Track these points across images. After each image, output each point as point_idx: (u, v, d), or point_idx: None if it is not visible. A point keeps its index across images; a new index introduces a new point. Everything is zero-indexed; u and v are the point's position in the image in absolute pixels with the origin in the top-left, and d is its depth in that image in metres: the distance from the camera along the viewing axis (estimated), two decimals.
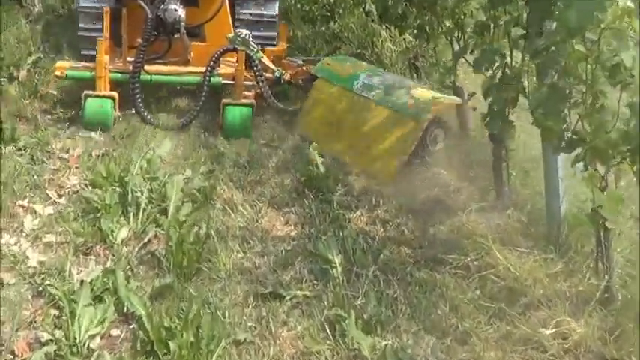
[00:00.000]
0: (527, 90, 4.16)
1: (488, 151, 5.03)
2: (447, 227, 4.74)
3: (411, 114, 5.15)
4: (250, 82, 5.79)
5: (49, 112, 6.22)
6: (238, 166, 5.42)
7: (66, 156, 5.44)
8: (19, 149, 5.41)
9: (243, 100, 5.70)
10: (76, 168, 5.26)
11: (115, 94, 5.69)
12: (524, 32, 4.18)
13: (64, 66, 5.88)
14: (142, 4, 5.71)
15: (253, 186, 5.17)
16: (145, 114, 5.73)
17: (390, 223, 4.76)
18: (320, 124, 5.64)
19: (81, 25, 6.23)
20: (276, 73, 5.97)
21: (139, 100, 5.71)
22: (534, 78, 4.21)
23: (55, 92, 6.46)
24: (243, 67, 5.71)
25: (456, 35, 5.28)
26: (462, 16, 5.02)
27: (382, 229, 4.70)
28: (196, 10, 6.05)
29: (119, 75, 5.79)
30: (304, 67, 6.15)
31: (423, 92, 5.35)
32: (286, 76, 6.03)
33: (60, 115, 6.13)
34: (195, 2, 6.09)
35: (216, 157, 5.54)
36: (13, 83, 6.52)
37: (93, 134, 5.80)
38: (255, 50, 5.82)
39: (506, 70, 4.43)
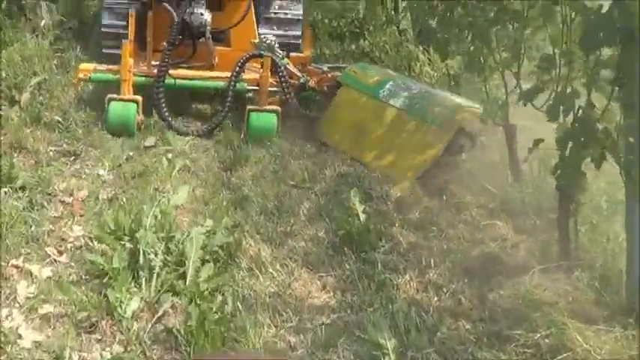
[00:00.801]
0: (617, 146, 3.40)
1: (549, 198, 4.40)
2: (509, 294, 4.02)
3: (437, 123, 5.04)
4: (275, 89, 5.65)
5: (52, 142, 5.53)
6: (266, 213, 4.71)
7: (69, 199, 4.75)
8: (17, 190, 4.69)
9: (268, 107, 5.54)
10: (81, 216, 4.56)
11: (139, 98, 5.53)
12: (615, 76, 3.42)
13: (88, 68, 5.75)
14: (169, 7, 5.60)
15: (283, 239, 4.46)
16: (169, 119, 5.58)
17: (445, 289, 4.04)
18: (343, 130, 5.52)
19: (104, 21, 6.19)
20: (302, 80, 5.84)
21: (163, 104, 5.56)
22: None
23: (59, 119, 5.77)
24: (269, 73, 5.57)
25: (513, 69, 4.53)
26: (523, 48, 4.27)
27: (436, 297, 3.97)
28: (222, 15, 5.97)
29: (143, 79, 5.66)
30: (329, 74, 6.02)
31: (449, 101, 5.25)
32: (311, 83, 5.89)
33: (64, 146, 5.47)
34: (221, 7, 6.02)
35: (240, 201, 4.85)
36: (13, 108, 5.82)
37: (101, 171, 5.14)
38: (281, 56, 5.69)
39: (585, 116, 3.68)
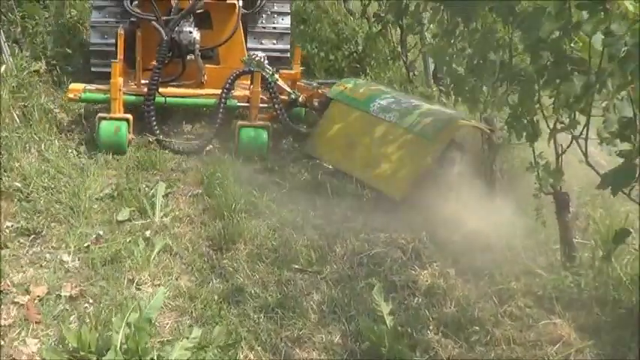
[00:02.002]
0: None
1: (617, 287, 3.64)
2: None
3: (428, 136, 4.94)
4: (265, 105, 5.61)
5: (9, 216, 4.57)
6: (267, 311, 3.75)
7: (24, 299, 3.74)
8: None
9: (259, 122, 5.52)
10: (37, 322, 3.59)
11: (130, 116, 5.47)
12: None
13: (78, 89, 5.67)
14: (157, 25, 5.58)
15: (290, 348, 3.49)
16: (160, 137, 5.51)
17: None
18: (334, 145, 5.45)
19: (92, 40, 6.18)
20: (292, 96, 5.75)
21: (154, 122, 5.50)
22: None
23: (19, 185, 4.80)
24: (259, 88, 5.54)
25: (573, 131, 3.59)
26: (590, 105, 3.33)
27: None
28: (210, 33, 5.91)
29: (133, 97, 5.60)
30: (319, 90, 5.90)
31: (440, 113, 5.16)
32: (301, 99, 5.79)
33: (23, 223, 4.47)
34: (210, 25, 5.95)
35: (235, 294, 3.87)
36: None
37: (64, 256, 4.19)
38: (271, 73, 5.61)
39: None
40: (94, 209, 4.75)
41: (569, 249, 4.14)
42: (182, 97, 5.75)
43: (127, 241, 4.35)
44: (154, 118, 5.51)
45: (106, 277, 4.00)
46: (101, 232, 4.43)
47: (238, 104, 5.71)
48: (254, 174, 5.34)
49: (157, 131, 5.52)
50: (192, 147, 5.56)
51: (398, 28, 6.68)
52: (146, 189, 5.00)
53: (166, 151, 5.61)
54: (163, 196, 4.89)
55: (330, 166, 5.37)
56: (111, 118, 5.39)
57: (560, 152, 3.97)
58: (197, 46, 5.73)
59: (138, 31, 5.67)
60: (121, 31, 5.54)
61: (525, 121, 3.88)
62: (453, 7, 4.56)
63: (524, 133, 3.80)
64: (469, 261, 4.21)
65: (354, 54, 7.73)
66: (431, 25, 5.68)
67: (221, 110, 5.52)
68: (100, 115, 5.42)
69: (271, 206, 4.80)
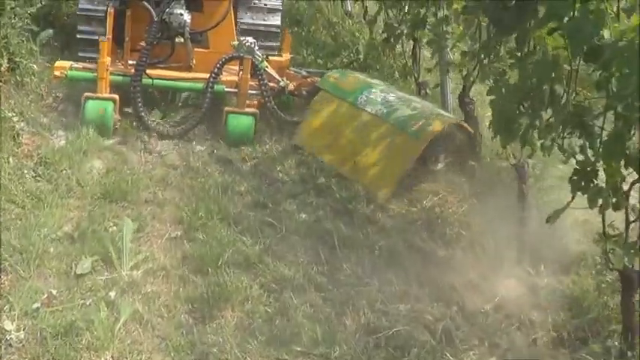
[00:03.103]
0: None
1: None
2: None
3: (412, 131, 4.82)
4: (254, 92, 5.44)
5: None
6: None
7: None
8: None
9: (247, 109, 5.34)
10: None
11: (116, 96, 5.27)
12: None
13: (64, 66, 5.43)
14: (148, 6, 5.38)
15: None
16: (146, 118, 5.29)
17: None
18: (319, 135, 5.27)
19: (80, 27, 5.91)
20: (281, 84, 5.57)
21: (140, 104, 5.30)
22: None
23: None
24: (248, 75, 5.34)
25: None
26: None
27: None
28: (201, 16, 5.73)
29: (120, 78, 5.39)
30: (309, 79, 5.73)
31: (427, 109, 5.03)
32: (290, 87, 5.61)
33: None
34: (200, 8, 5.78)
35: None
36: None
37: (7, 324, 3.30)
38: (261, 59, 5.43)
39: None
40: (49, 254, 3.83)
41: (632, 335, 3.30)
42: (170, 79, 5.54)
43: (87, 304, 3.43)
44: (140, 100, 5.29)
45: (57, 357, 3.06)
46: (54, 291, 3.50)
47: (226, 90, 5.48)
48: (244, 210, 4.43)
49: (143, 112, 5.29)
50: (177, 131, 5.32)
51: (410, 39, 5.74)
52: (114, 228, 4.07)
53: (140, 178, 4.68)
54: (134, 238, 3.96)
55: (320, 159, 5.09)
56: (97, 98, 5.19)
57: (631, 220, 3.14)
58: (187, 28, 5.53)
59: (128, 11, 5.49)
60: (110, 10, 5.33)
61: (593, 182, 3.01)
62: (499, 23, 3.70)
63: (599, 200, 2.92)
64: (510, 344, 3.35)
65: (354, 63, 6.82)
66: (457, 43, 4.80)
67: (208, 95, 5.34)
68: (86, 94, 5.20)
69: (265, 258, 3.90)
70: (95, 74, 5.24)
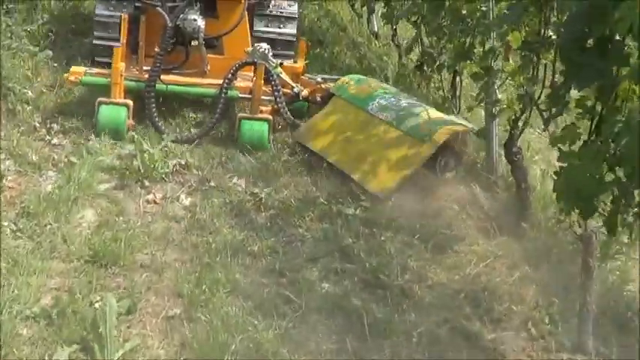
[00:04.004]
0: None
1: None
2: None
3: (423, 137, 4.66)
4: (267, 97, 5.33)
5: None
6: None
7: None
8: None
9: (260, 115, 5.23)
10: None
11: (130, 102, 5.21)
12: None
13: (79, 71, 5.40)
14: (162, 12, 5.35)
15: None
16: (159, 124, 5.22)
17: None
18: (329, 139, 5.13)
19: (96, 33, 5.89)
20: (295, 90, 5.48)
21: (154, 109, 5.23)
22: None
23: None
24: (262, 81, 5.26)
25: None
26: None
27: None
28: (216, 22, 5.70)
29: (134, 83, 5.35)
30: (323, 85, 5.62)
31: (437, 117, 4.86)
32: (304, 93, 5.52)
33: None
34: (215, 14, 5.76)
35: None
36: None
37: None
38: (275, 65, 5.35)
39: None
40: (20, 339, 3.12)
41: None
42: (184, 85, 5.48)
43: None
44: (154, 105, 5.22)
45: None
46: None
47: (240, 95, 5.40)
48: (257, 279, 3.70)
49: (157, 118, 5.20)
50: (190, 136, 5.19)
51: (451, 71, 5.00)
52: (100, 303, 3.34)
53: (137, 234, 3.97)
54: (124, 318, 3.24)
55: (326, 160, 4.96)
56: (111, 103, 5.11)
57: None
58: (201, 34, 5.48)
59: (142, 17, 5.44)
60: (125, 16, 5.29)
61: None
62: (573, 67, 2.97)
63: None
64: None
65: None
66: (509, 80, 4.06)
67: (222, 101, 5.24)
68: (100, 99, 5.11)
69: (280, 349, 3.16)
70: (109, 80, 5.15)
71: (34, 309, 3.30)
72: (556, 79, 3.51)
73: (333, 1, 9.13)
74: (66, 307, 3.28)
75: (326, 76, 5.88)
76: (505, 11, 3.84)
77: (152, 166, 4.62)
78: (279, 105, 5.28)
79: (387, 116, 4.94)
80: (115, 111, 5.10)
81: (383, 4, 6.68)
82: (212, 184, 4.65)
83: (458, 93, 5.06)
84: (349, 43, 7.92)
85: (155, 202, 4.38)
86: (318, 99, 5.54)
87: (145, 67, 5.40)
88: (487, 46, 4.26)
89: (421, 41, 5.42)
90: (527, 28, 3.80)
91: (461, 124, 4.80)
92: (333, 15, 8.99)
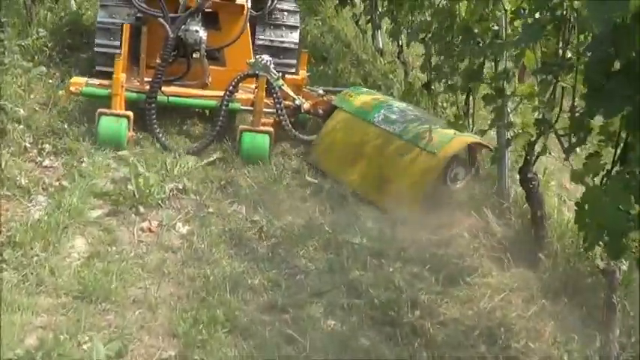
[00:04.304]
0: None
1: None
2: None
3: (432, 149, 4.57)
4: (269, 110, 5.26)
5: None
6: None
7: None
8: None
9: (261, 128, 5.13)
10: None
11: (130, 113, 5.09)
12: None
13: (80, 82, 5.29)
14: (164, 22, 5.28)
15: None
16: (160, 136, 5.13)
17: None
18: (335, 154, 5.11)
19: (97, 40, 5.79)
20: (297, 102, 5.42)
21: (154, 121, 5.15)
22: None
23: None
24: (264, 93, 5.17)
25: None
26: None
27: None
28: (217, 34, 5.65)
29: (135, 95, 5.26)
30: (325, 98, 5.57)
31: (445, 128, 4.67)
32: (306, 106, 5.46)
33: None
34: (217, 25, 5.71)
35: None
36: None
37: None
38: (276, 77, 5.30)
39: None
40: None
41: None
42: (185, 97, 5.41)
43: None
44: (154, 117, 5.16)
45: None
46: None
47: (242, 107, 5.34)
48: (258, 316, 3.45)
49: (157, 130, 5.13)
50: (191, 149, 5.14)
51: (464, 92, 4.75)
52: (89, 344, 3.09)
53: (130, 266, 3.72)
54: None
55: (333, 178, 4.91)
56: (111, 114, 5.03)
57: None
58: (203, 45, 5.43)
59: (143, 28, 5.40)
60: (126, 26, 5.27)
61: None
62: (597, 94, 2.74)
63: None
64: None
65: None
66: (525, 103, 3.83)
67: (222, 112, 5.19)
68: (100, 110, 5.04)
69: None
70: (109, 91, 5.08)
71: (18, 351, 3.05)
72: (576, 104, 3.29)
73: (337, 17, 8.91)
74: (52, 350, 3.03)
75: (328, 88, 5.81)
76: (520, 30, 3.60)
77: (147, 191, 4.37)
78: (281, 117, 5.21)
79: (395, 128, 4.86)
80: (115, 122, 5.02)
81: (390, 21, 6.44)
82: (210, 210, 4.41)
83: (471, 115, 4.80)
84: (354, 59, 7.69)
85: (150, 231, 4.12)
86: (320, 111, 5.47)
87: (146, 79, 5.34)
88: (500, 67, 4.01)
89: (429, 60, 5.18)
90: (543, 49, 3.57)
91: (470, 135, 4.68)
92: (337, 31, 8.76)
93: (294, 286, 3.73)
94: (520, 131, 3.78)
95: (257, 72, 5.22)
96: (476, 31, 4.19)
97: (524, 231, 4.26)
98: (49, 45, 6.54)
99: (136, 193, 4.37)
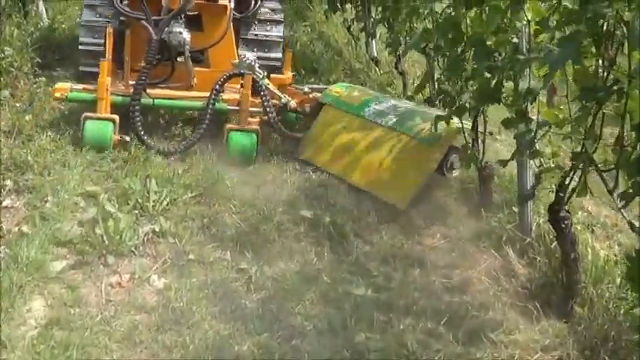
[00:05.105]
0: None
1: None
2: None
3: (429, 140, 4.52)
4: (256, 109, 5.16)
5: None
6: None
7: None
8: None
9: (248, 127, 5.05)
10: None
11: (116, 117, 5.00)
12: None
13: (65, 87, 5.16)
14: (147, 25, 5.21)
15: None
16: (145, 138, 5.01)
17: None
18: (328, 150, 5.01)
19: (81, 39, 5.69)
20: (283, 100, 5.30)
21: (139, 124, 5.04)
22: None
23: None
24: (249, 92, 5.09)
25: None
26: None
27: None
28: (201, 35, 5.53)
29: (120, 98, 5.14)
30: (311, 95, 5.46)
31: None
32: (293, 104, 5.34)
33: None
34: (200, 27, 5.58)
35: None
36: None
37: None
38: (262, 76, 5.25)
39: None
40: None
41: None
42: (170, 99, 5.34)
43: None
44: (139, 119, 5.06)
45: None
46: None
47: (228, 107, 5.23)
48: None
49: (142, 132, 5.02)
50: (177, 148, 5.04)
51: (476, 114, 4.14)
52: None
53: (95, 334, 3.11)
54: None
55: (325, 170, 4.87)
56: (97, 118, 4.96)
57: None
58: (187, 47, 5.35)
59: (127, 31, 5.30)
60: (110, 30, 5.17)
61: None
62: None
63: None
64: None
65: None
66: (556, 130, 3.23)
67: (209, 112, 5.10)
68: (85, 114, 4.94)
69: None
70: (95, 95, 5.00)
71: None
72: (625, 135, 2.69)
73: (327, 22, 8.30)
74: None
75: (313, 86, 5.75)
76: (548, 45, 3.00)
77: (118, 237, 3.75)
78: (270, 116, 5.14)
79: (388, 121, 4.81)
80: (100, 126, 4.93)
81: (387, 30, 5.83)
82: (191, 256, 3.80)
83: (482, 141, 4.20)
84: (346, 68, 7.10)
85: (120, 286, 3.51)
86: (307, 109, 5.39)
87: (131, 82, 5.23)
88: (521, 86, 3.41)
89: (432, 75, 4.58)
90: (575, 67, 2.98)
91: (463, 123, 4.38)
92: (327, 37, 8.16)
93: (290, 352, 3.13)
94: (550, 163, 3.18)
95: (242, 71, 5.18)
96: (489, 43, 3.58)
97: (552, 272, 3.67)
98: (16, 65, 5.91)
99: (104, 239, 3.76)
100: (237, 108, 5.17)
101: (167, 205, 4.25)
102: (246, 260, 3.77)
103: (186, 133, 5.32)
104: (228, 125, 5.10)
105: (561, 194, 3.21)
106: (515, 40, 3.44)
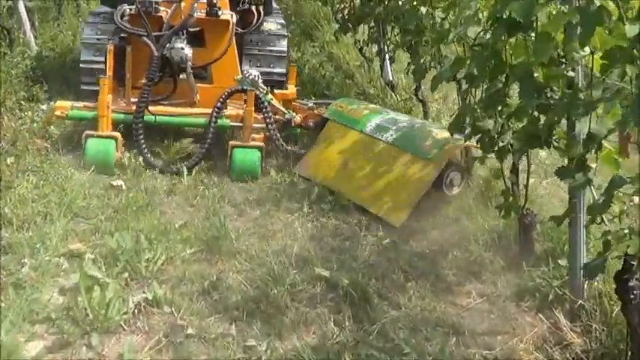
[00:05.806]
0: None
1: None
2: None
3: (427, 156, 4.51)
4: (259, 125, 5.11)
5: None
6: None
7: None
8: None
9: (252, 143, 5.02)
10: None
11: (118, 134, 4.99)
12: None
13: (66, 106, 5.13)
14: (148, 42, 5.14)
15: None
16: (148, 156, 4.99)
17: None
18: (331, 166, 4.96)
19: (82, 57, 5.67)
20: (287, 116, 5.27)
21: (142, 141, 5.01)
22: None
23: None
24: (253, 108, 5.06)
25: None
26: None
27: None
28: (203, 51, 5.45)
29: (122, 116, 5.12)
30: (315, 110, 5.42)
31: (438, 134, 4.62)
32: (297, 119, 5.30)
33: None
34: (203, 42, 5.51)
35: None
36: None
37: None
38: (265, 92, 5.18)
39: None
40: None
41: None
42: (172, 115, 5.28)
43: None
44: (142, 137, 5.03)
45: None
46: None
47: (231, 124, 5.21)
48: None
49: (145, 150, 5.00)
50: (180, 168, 4.94)
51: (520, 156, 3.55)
52: None
53: None
54: None
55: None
56: (98, 136, 4.92)
57: None
58: (189, 63, 5.27)
59: (128, 48, 5.25)
60: (110, 47, 5.14)
61: None
62: None
63: None
64: None
65: None
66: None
67: (211, 129, 5.07)
68: (87, 132, 4.92)
69: None
70: (96, 113, 4.95)
71: None
72: None
73: (337, 44, 7.74)
74: None
75: (318, 101, 5.71)
76: (617, 82, 2.43)
77: (104, 310, 3.18)
78: (272, 132, 5.10)
79: (388, 137, 4.77)
80: (102, 144, 4.87)
81: (409, 56, 5.27)
82: (190, 331, 3.22)
83: (521, 189, 3.62)
84: (359, 94, 6.54)
85: None
86: (311, 125, 5.35)
87: (132, 99, 5.17)
88: (578, 128, 2.84)
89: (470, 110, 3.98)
90: None
91: (462, 140, 4.28)
92: (337, 59, 7.61)
93: None
94: (616, 222, 2.60)
95: (245, 87, 5.11)
96: (536, 75, 3.01)
97: (613, 343, 3.08)
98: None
99: (88, 312, 3.19)
100: (240, 124, 5.12)
101: (162, 264, 3.69)
102: (253, 335, 3.19)
103: (188, 149, 5.22)
104: (232, 142, 5.03)
105: (632, 262, 2.63)
106: (571, 73, 2.87)
